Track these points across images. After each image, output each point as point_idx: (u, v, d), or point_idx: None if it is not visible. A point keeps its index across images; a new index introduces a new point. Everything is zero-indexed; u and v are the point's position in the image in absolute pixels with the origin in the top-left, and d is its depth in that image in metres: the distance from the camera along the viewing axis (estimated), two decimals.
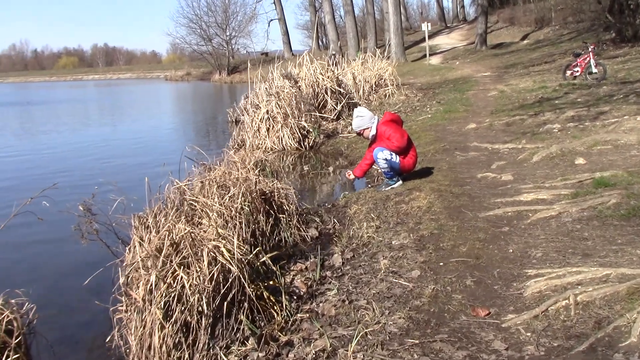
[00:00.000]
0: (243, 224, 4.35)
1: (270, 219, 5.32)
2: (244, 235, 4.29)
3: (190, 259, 3.28)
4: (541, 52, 25.33)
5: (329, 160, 10.59)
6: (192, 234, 3.44)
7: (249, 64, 15.78)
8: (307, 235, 5.54)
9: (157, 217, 4.17)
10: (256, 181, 5.19)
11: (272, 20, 53.90)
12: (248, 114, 12.19)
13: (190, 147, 6.16)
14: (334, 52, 28.15)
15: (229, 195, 4.61)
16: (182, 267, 3.25)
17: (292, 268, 4.50)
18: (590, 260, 3.84)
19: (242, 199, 4.58)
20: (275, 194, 5.51)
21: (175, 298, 3.14)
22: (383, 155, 6.47)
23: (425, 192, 5.99)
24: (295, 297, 3.94)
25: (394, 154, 6.49)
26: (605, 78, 13.51)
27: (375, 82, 17.72)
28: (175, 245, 3.39)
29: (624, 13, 20.20)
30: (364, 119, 6.80)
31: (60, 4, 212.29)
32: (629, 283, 3.32)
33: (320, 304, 3.76)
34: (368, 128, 6.80)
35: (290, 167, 10.45)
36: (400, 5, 35.92)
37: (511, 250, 4.29)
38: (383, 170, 6.67)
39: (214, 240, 3.44)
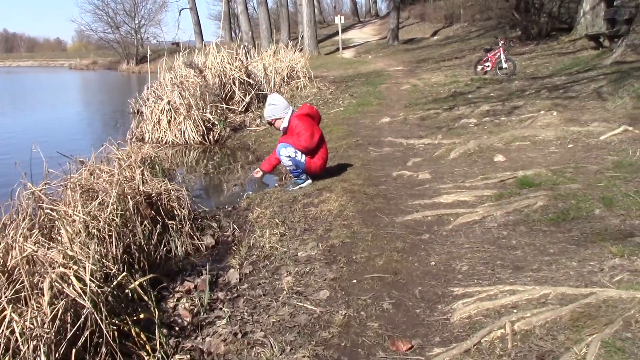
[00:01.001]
0: (114, 238, 3.53)
1: (158, 227, 4.52)
2: (115, 252, 3.48)
3: (26, 292, 2.47)
4: (451, 48, 25.56)
5: (235, 155, 9.82)
6: (34, 256, 2.62)
7: (149, 53, 14.68)
8: (201, 244, 4.77)
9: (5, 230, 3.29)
10: (139, 182, 4.37)
11: (183, 9, 52.04)
12: (147, 105, 11.17)
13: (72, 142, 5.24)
14: (245, 43, 27.30)
15: (99, 201, 3.77)
16: (14, 304, 2.43)
17: (177, 289, 3.72)
18: (523, 275, 3.33)
19: (115, 206, 3.75)
20: (164, 197, 4.71)
21: (1, 349, 2.32)
22: (286, 152, 5.81)
23: (337, 192, 5.37)
24: (176, 330, 3.17)
25: (299, 152, 5.85)
26: (515, 73, 13.49)
27: (287, 74, 17.02)
28: (8, 274, 2.56)
29: (529, 11, 20.63)
30: (276, 108, 6.12)
31: None
32: (572, 306, 2.81)
33: (207, 338, 3.03)
34: (280, 118, 6.12)
35: (193, 162, 9.60)
36: None
37: (433, 263, 3.73)
38: (288, 168, 6.02)
39: (62, 265, 2.63)
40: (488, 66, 14.59)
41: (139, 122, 11.29)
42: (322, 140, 6.15)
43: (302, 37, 31.70)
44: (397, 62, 23.61)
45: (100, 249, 3.21)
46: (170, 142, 10.58)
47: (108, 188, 3.92)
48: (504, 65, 13.92)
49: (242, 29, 37.57)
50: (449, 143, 7.32)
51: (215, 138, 10.80)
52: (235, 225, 5.16)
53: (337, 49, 32.47)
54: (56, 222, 3.37)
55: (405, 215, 4.65)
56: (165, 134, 10.66)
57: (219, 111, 11.55)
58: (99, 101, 23.91)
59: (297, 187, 6.00)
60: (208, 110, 10.95)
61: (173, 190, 4.83)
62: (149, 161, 5.20)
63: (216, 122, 10.88)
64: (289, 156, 5.84)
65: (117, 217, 3.71)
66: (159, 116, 10.78)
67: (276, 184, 6.91)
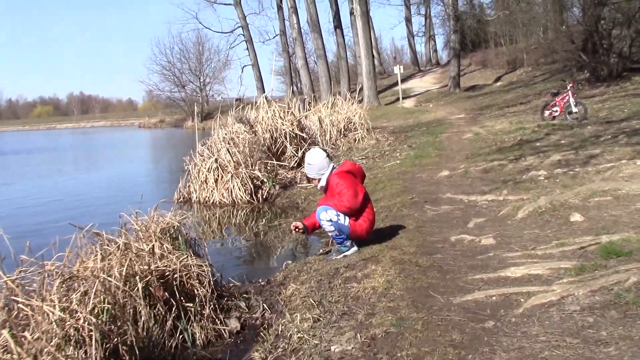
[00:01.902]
0: (94, 339, 2.89)
1: (173, 310, 3.89)
2: (95, 357, 2.85)
3: None
4: (515, 94, 24.64)
5: (283, 215, 9.21)
6: None
7: (196, 109, 14.51)
8: (224, 329, 4.11)
9: None
10: (149, 259, 3.78)
11: (245, 66, 53.18)
12: (195, 164, 10.81)
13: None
14: (305, 97, 27.24)
15: (82, 291, 3.18)
16: None
17: None
18: None
19: (101, 297, 3.15)
20: (183, 274, 4.11)
21: None
22: (327, 216, 5.14)
23: (384, 264, 4.62)
24: None
25: (341, 214, 5.17)
26: (586, 118, 12.49)
27: (344, 126, 16.51)
28: None
29: (598, 52, 19.60)
30: (312, 168, 5.52)
31: (37, 53, 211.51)
32: None
33: None
34: (317, 179, 5.50)
35: (238, 224, 9.07)
36: (372, 49, 35.32)
37: None
38: (331, 234, 5.33)
39: None
40: (556, 111, 13.66)
41: (187, 181, 10.90)
42: (367, 200, 5.47)
43: (362, 88, 31.50)
44: (459, 110, 22.84)
45: (77, 354, 2.60)
46: (218, 202, 10.12)
47: (98, 274, 3.32)
48: (574, 109, 12.95)
49: (302, 83, 37.89)
50: (516, 199, 6.46)
51: (264, 196, 10.27)
52: (265, 305, 4.48)
53: (398, 99, 31.99)
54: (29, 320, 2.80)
55: (464, 295, 3.85)
56: (212, 193, 10.22)
57: (268, 168, 11.07)
58: (158, 159, 24.14)
59: (342, 255, 5.30)
60: (257, 168, 10.47)
61: (194, 265, 4.21)
62: (172, 230, 4.64)
63: (265, 180, 10.38)
64: (331, 220, 5.17)
65: (104, 310, 3.10)
66: (206, 175, 10.38)
67: (320, 250, 6.21)
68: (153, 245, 4.03)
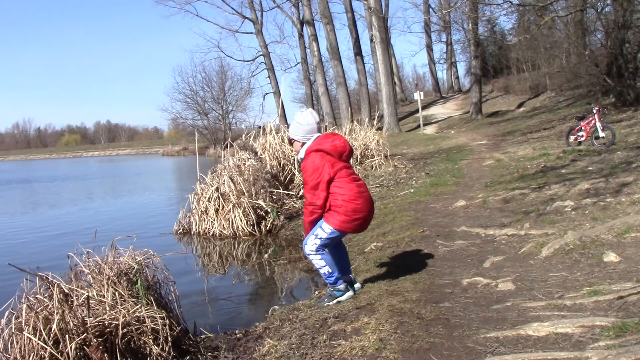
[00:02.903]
0: None
1: None
2: None
3: None
4: (539, 119, 23.79)
5: (284, 249, 8.48)
6: None
7: (192, 135, 13.96)
8: None
9: None
10: (84, 314, 3.09)
11: (267, 94, 53.14)
12: (195, 192, 10.15)
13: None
14: (326, 124, 26.70)
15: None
16: None
17: None
18: None
19: None
20: (133, 329, 3.40)
21: None
22: (308, 247, 4.45)
23: (380, 315, 3.86)
24: None
25: (319, 231, 4.40)
26: (614, 143, 11.65)
27: (361, 153, 15.81)
28: None
29: (623, 76, 18.71)
30: (300, 128, 4.58)
31: (65, 83, 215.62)
32: None
33: None
34: (298, 142, 4.61)
35: (239, 258, 8.36)
36: (392, 75, 34.81)
37: None
38: (321, 271, 4.55)
39: None
40: (582, 136, 12.83)
41: (187, 212, 10.25)
42: (350, 180, 4.43)
43: (382, 114, 30.95)
44: (481, 136, 22.05)
45: None
46: (218, 234, 9.43)
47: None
48: (601, 134, 12.11)
49: (323, 110, 37.48)
50: (539, 234, 5.67)
51: (268, 228, 9.55)
52: None
53: (419, 126, 31.27)
54: None
55: None
56: (212, 224, 9.54)
57: (274, 197, 10.39)
58: (173, 187, 23.61)
59: (335, 300, 4.54)
60: (261, 197, 9.78)
61: (148, 318, 3.50)
62: (132, 273, 3.95)
63: (269, 210, 9.68)
64: (316, 250, 4.43)
65: None
66: (206, 204, 9.72)
67: (316, 292, 5.46)
68: (88, 295, 3.32)
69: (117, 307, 3.42)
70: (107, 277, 3.75)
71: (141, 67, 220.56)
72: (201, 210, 9.77)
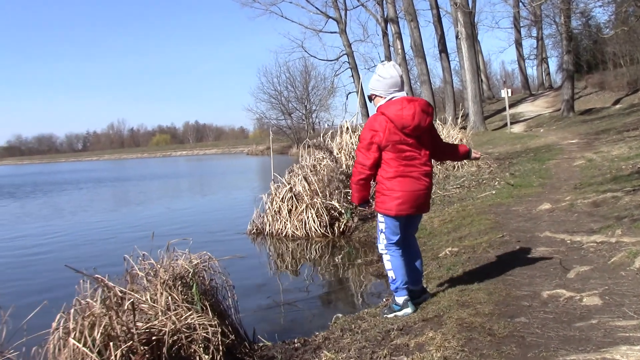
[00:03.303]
0: None
1: None
2: None
3: None
4: (637, 116, 22.22)
5: (357, 252, 8.22)
6: None
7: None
8: None
9: None
10: (127, 320, 2.98)
11: (350, 93, 53.10)
12: (269, 193, 10.09)
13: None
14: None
15: None
16: None
17: None
18: None
19: None
20: (183, 337, 3.26)
21: None
22: (380, 246, 4.30)
23: (447, 329, 3.54)
24: None
25: (379, 218, 4.19)
26: None
27: None
28: None
29: None
30: (383, 82, 4.12)
31: (157, 85, 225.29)
32: None
33: None
34: (380, 97, 4.16)
35: (310, 260, 8.20)
36: (478, 73, 33.76)
37: None
38: (388, 273, 4.27)
39: None
40: None
41: (261, 212, 10.21)
42: (394, 156, 4.01)
43: (468, 113, 30.08)
44: (572, 135, 20.87)
45: None
46: (290, 235, 9.31)
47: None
48: None
49: None
50: (632, 242, 5.11)
51: (341, 229, 9.33)
52: None
53: (506, 124, 30.13)
54: None
55: None
56: (285, 225, 9.43)
57: (348, 198, 10.15)
58: (256, 186, 23.89)
59: (392, 314, 4.23)
60: (335, 197, 9.57)
61: (200, 325, 3.36)
62: (190, 277, 3.83)
63: (343, 211, 9.45)
64: (382, 249, 4.26)
65: None
66: (280, 205, 9.62)
67: (384, 299, 5.17)
68: (132, 302, 3.20)
69: (169, 313, 3.29)
70: (161, 280, 3.64)
71: (228, 69, 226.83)
72: (274, 211, 9.69)
